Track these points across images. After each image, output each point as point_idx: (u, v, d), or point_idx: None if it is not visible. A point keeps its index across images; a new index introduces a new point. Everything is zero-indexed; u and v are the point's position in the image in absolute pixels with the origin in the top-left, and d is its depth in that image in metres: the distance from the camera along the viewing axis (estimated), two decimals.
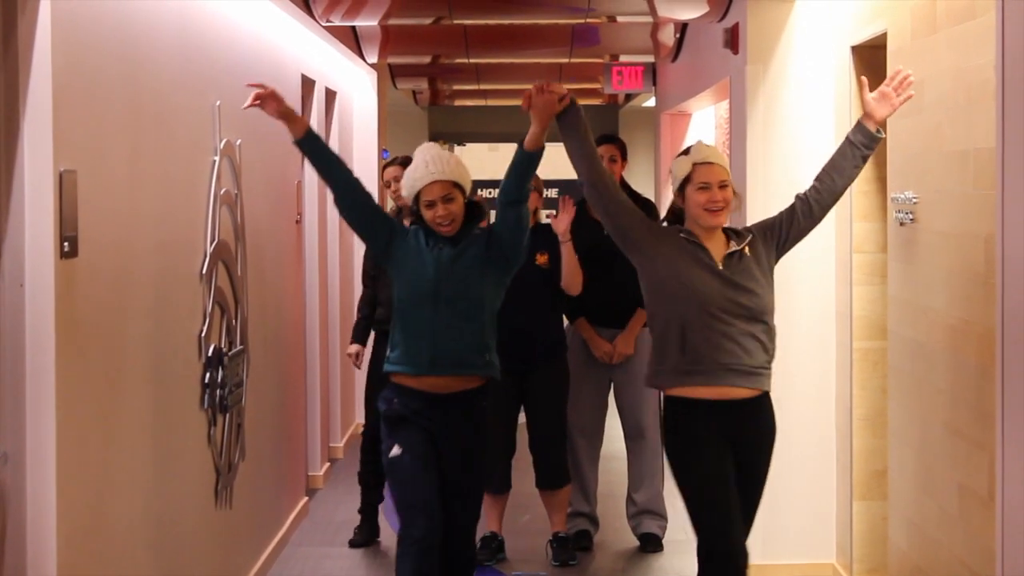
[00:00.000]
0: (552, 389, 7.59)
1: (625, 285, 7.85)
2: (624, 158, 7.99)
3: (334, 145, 10.77)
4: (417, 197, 5.59)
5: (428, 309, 5.54)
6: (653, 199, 12.93)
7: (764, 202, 7.04)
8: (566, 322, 7.89)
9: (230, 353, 6.44)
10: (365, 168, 11.81)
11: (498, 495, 7.67)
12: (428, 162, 5.56)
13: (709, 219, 5.25)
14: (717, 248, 5.29)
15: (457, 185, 5.58)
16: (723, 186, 5.26)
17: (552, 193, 27.51)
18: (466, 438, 5.67)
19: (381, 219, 5.66)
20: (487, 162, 29.01)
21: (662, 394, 5.48)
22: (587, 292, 7.58)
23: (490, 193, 29.78)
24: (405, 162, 6.80)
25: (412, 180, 5.58)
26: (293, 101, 8.60)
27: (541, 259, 7.41)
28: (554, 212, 7.61)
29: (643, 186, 18.92)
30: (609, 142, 7.99)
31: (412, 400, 5.60)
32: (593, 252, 7.53)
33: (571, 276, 7.41)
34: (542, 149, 5.51)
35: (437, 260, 5.58)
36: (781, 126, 7.44)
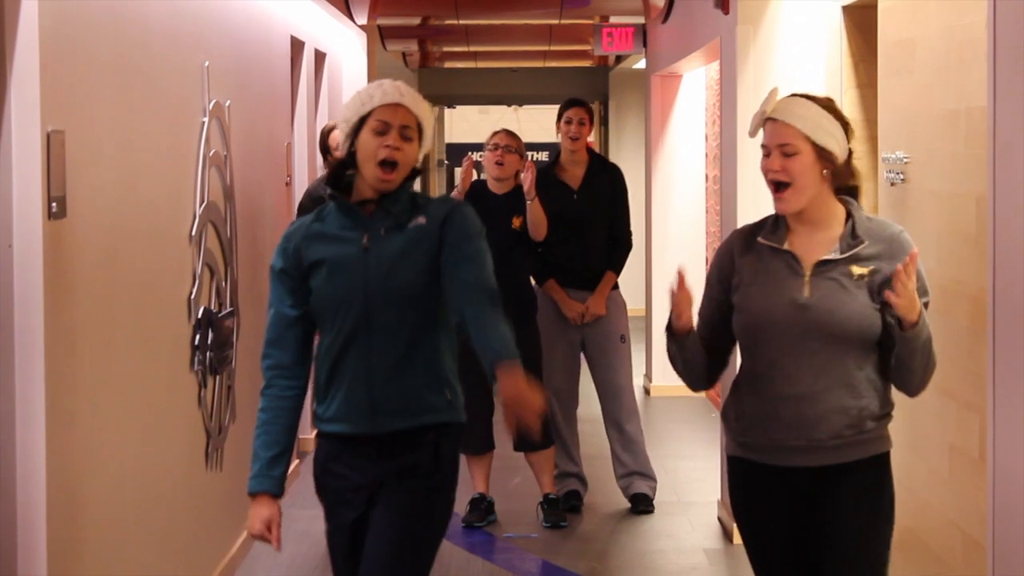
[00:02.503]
0: (524, 350, 7.59)
1: (594, 247, 7.89)
2: (592, 122, 8.10)
3: (324, 106, 10.75)
4: (358, 128, 4.14)
5: (360, 333, 4.14)
6: (644, 164, 12.92)
7: (756, 167, 7.02)
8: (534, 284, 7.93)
9: (220, 315, 6.43)
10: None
11: (480, 456, 7.67)
12: (388, 84, 4.19)
13: (775, 204, 4.11)
14: (811, 250, 4.10)
15: (419, 127, 4.19)
16: (788, 153, 4.04)
17: (543, 156, 27.50)
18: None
19: (297, 298, 4.23)
20: (478, 124, 28.97)
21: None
22: (556, 254, 7.73)
23: (480, 156, 29.81)
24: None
25: (360, 103, 4.16)
26: (282, 63, 8.57)
27: (516, 222, 7.53)
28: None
29: (633, 149, 18.91)
30: (578, 105, 8.08)
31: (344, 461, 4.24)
32: (562, 215, 7.71)
33: (537, 227, 7.52)
34: None
35: (367, 258, 4.14)
36: (771, 86, 7.42)
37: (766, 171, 4.09)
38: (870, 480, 4.17)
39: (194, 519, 6.09)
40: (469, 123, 27.83)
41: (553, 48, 17.28)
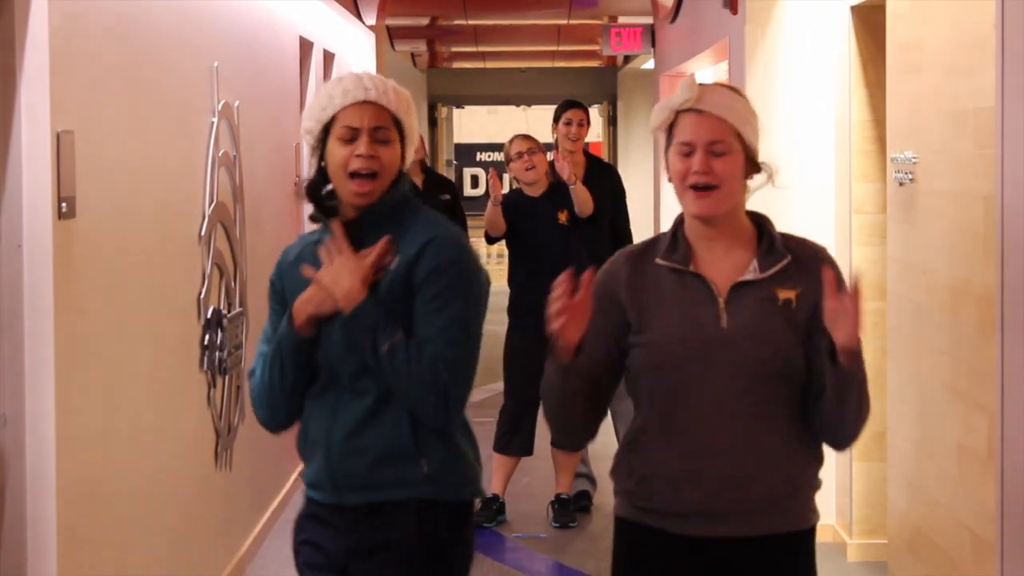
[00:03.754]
0: None
1: (596, 247, 7.91)
2: (589, 123, 8.27)
3: None
4: (324, 138, 3.48)
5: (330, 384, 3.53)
6: (652, 168, 12.93)
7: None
8: None
9: (229, 315, 6.44)
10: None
11: (512, 457, 7.70)
12: (350, 79, 3.48)
13: (692, 204, 3.35)
14: (723, 270, 3.39)
15: (398, 124, 3.48)
16: (717, 152, 3.32)
17: (551, 156, 27.50)
18: None
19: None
20: (486, 125, 28.99)
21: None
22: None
23: (489, 157, 29.78)
24: None
25: (320, 108, 3.47)
26: (291, 63, 8.59)
27: (563, 216, 7.60)
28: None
29: (641, 149, 18.91)
30: (577, 106, 8.18)
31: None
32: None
33: (584, 205, 7.59)
34: None
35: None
36: (780, 87, 7.43)
37: (685, 174, 3.32)
38: (801, 564, 3.45)
39: (204, 518, 6.10)
40: (478, 123, 27.86)
41: (562, 48, 17.30)
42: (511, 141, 7.78)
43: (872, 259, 6.81)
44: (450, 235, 3.46)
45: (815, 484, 3.42)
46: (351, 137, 3.40)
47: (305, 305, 3.44)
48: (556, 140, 8.12)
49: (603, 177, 8.10)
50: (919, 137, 5.68)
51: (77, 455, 4.49)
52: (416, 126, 3.56)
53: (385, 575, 3.47)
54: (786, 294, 3.32)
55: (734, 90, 3.43)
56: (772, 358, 3.28)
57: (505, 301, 7.56)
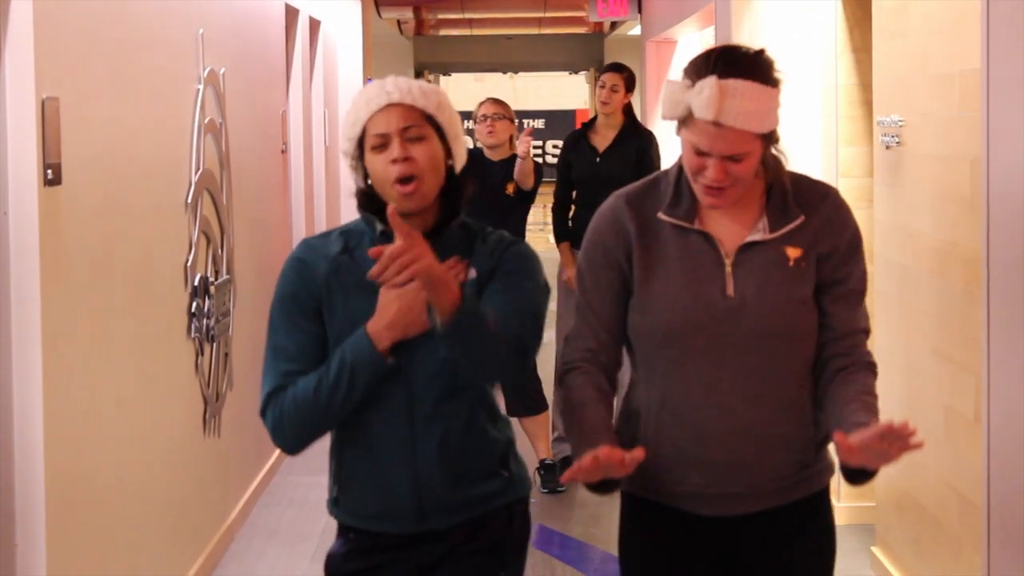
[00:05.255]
0: None
1: None
2: (629, 88, 8.16)
3: (318, 74, 10.74)
4: (361, 153, 3.29)
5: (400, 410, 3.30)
6: None
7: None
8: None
9: (216, 282, 6.43)
10: (350, 100, 11.76)
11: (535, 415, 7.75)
12: (373, 88, 3.32)
13: (703, 198, 3.09)
14: (730, 227, 3.16)
15: (431, 120, 3.27)
16: (736, 159, 3.01)
17: (539, 123, 27.45)
18: None
19: (314, 331, 3.32)
20: (473, 92, 28.95)
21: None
22: (581, 216, 7.85)
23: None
24: None
25: (350, 124, 3.31)
26: (276, 31, 8.57)
27: (510, 188, 7.72)
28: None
29: None
30: (613, 71, 8.24)
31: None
32: (586, 176, 7.92)
33: (525, 177, 7.60)
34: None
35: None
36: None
37: (697, 170, 3.05)
38: (818, 526, 3.30)
39: (192, 485, 6.11)
40: (465, 91, 27.81)
41: (548, 15, 17.26)
42: (482, 103, 7.93)
43: (859, 223, 6.79)
44: (525, 246, 3.35)
45: (825, 444, 3.23)
46: (383, 144, 3.21)
47: (389, 330, 3.18)
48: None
49: (632, 141, 8.10)
50: (905, 100, 5.68)
51: (64, 423, 4.49)
52: (457, 121, 3.33)
53: (482, 571, 3.37)
54: (796, 252, 3.10)
55: (761, 76, 3.03)
56: (781, 329, 3.06)
57: None
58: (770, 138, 3.07)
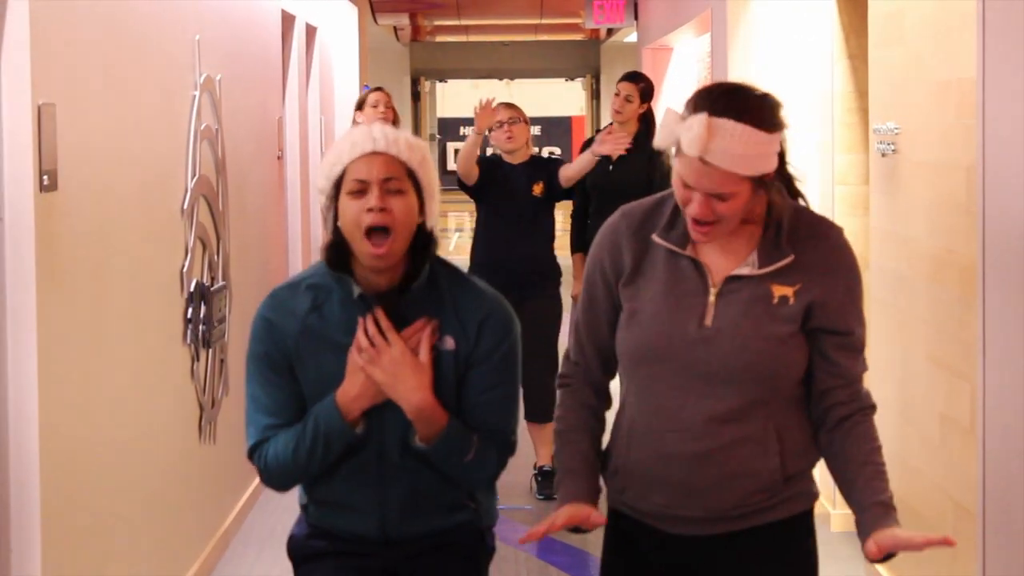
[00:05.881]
0: (544, 318, 7.64)
1: None
2: (645, 99, 8.13)
3: (315, 81, 10.74)
4: (336, 196, 3.26)
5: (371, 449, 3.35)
6: None
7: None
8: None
9: (212, 288, 6.43)
10: (347, 106, 11.77)
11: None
12: (360, 133, 3.28)
13: (691, 231, 3.09)
14: (722, 256, 3.16)
15: (412, 175, 3.26)
16: (723, 198, 3.00)
17: (535, 130, 27.49)
18: None
19: (287, 382, 3.34)
20: (470, 99, 29.01)
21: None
22: (591, 228, 7.83)
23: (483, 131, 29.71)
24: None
25: (330, 165, 3.27)
26: (273, 37, 8.57)
27: (537, 189, 7.62)
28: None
29: None
30: (629, 80, 8.25)
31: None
32: (598, 184, 7.90)
33: (577, 173, 7.59)
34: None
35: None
36: (762, 58, 7.43)
37: (685, 202, 3.04)
38: (792, 550, 3.26)
39: (188, 491, 6.10)
40: (461, 97, 27.82)
41: (544, 22, 17.28)
42: (495, 108, 7.79)
43: (855, 230, 6.82)
44: (503, 309, 3.36)
45: (804, 475, 3.23)
46: (361, 190, 3.19)
47: (357, 401, 3.26)
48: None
49: (644, 151, 8.06)
50: (901, 108, 5.69)
51: (60, 429, 4.49)
52: (435, 179, 3.32)
53: (450, 568, 3.47)
54: (783, 291, 3.08)
55: (757, 120, 2.99)
56: (752, 364, 3.06)
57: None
58: (761, 181, 3.03)
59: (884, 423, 5.89)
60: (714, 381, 3.08)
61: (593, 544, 6.94)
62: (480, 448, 3.29)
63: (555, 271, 7.75)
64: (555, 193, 7.62)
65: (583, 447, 3.28)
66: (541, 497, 7.65)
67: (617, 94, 8.14)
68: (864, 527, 3.07)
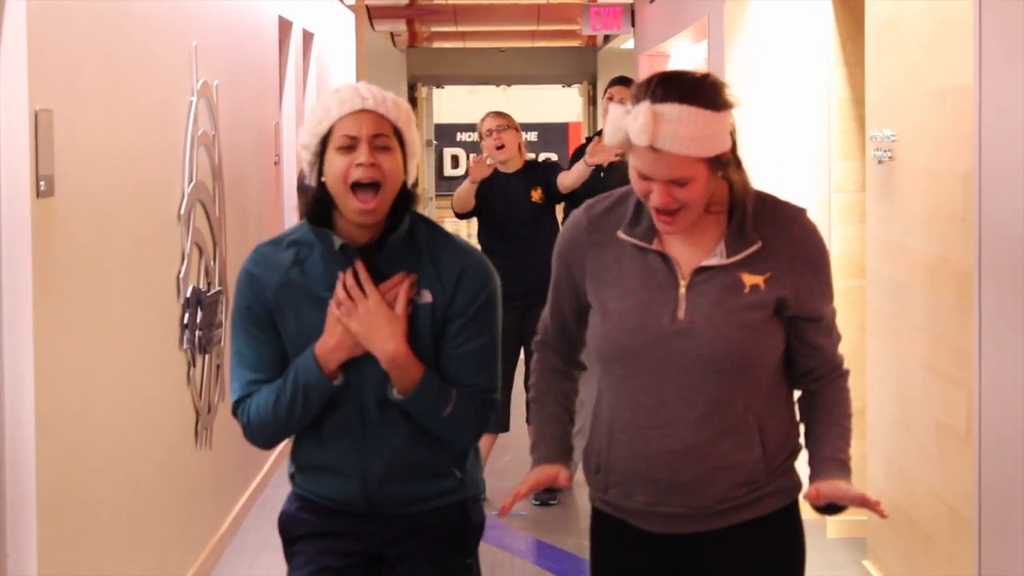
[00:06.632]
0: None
1: None
2: None
3: (311, 86, 10.74)
4: (322, 152, 3.30)
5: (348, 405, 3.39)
6: None
7: (748, 144, 7.04)
8: None
9: (209, 294, 6.43)
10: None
11: (490, 435, 7.64)
12: (347, 90, 3.32)
13: (656, 223, 3.11)
14: (689, 248, 3.17)
15: (398, 133, 3.32)
16: (681, 184, 3.02)
17: (532, 136, 27.47)
18: None
19: (271, 339, 3.39)
20: (467, 105, 28.96)
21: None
22: None
23: (469, 137, 29.77)
24: None
25: (317, 121, 3.31)
26: (270, 43, 8.57)
27: (535, 195, 7.61)
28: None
29: None
30: (619, 84, 8.20)
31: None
32: (589, 191, 7.86)
33: (573, 183, 7.58)
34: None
35: None
36: (759, 66, 7.43)
37: (645, 195, 3.06)
38: (776, 546, 3.26)
39: (184, 496, 6.10)
40: (458, 103, 27.81)
41: (541, 28, 17.28)
42: (484, 118, 7.81)
43: (851, 237, 6.83)
44: (480, 263, 3.40)
45: (787, 466, 3.22)
46: (350, 145, 3.24)
47: (335, 353, 3.30)
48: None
49: None
50: (897, 115, 5.69)
51: (57, 435, 4.49)
52: (418, 139, 3.39)
53: (437, 553, 3.49)
54: (753, 279, 3.10)
55: (700, 101, 2.99)
56: (728, 355, 3.06)
57: None
58: (718, 162, 3.04)
59: (880, 430, 5.91)
60: (691, 374, 3.08)
61: (588, 549, 6.94)
62: (459, 403, 3.33)
63: None
64: (554, 197, 7.63)
65: (551, 410, 3.39)
66: (537, 503, 7.65)
67: (610, 98, 8.15)
68: (814, 476, 3.15)
